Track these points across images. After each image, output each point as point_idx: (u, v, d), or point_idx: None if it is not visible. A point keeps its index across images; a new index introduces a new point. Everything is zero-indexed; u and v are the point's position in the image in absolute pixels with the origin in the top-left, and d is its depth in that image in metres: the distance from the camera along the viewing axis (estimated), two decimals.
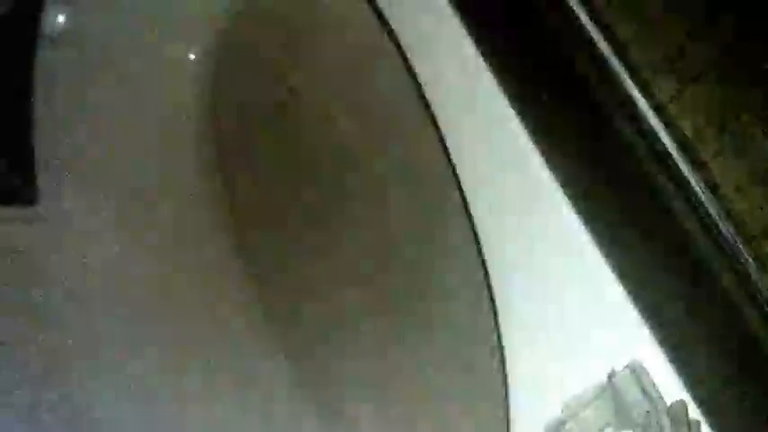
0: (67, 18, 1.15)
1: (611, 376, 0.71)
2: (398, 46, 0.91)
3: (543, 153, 0.79)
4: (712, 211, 0.88)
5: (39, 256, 1.21)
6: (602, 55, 0.95)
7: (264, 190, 1.33)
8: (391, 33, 0.88)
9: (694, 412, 0.68)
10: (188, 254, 1.34)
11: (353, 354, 1.15)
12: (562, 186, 0.78)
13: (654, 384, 0.69)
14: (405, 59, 0.90)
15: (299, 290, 1.23)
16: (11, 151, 1.18)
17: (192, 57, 1.24)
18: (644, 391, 0.69)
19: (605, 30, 0.95)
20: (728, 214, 0.89)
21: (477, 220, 0.80)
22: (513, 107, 0.83)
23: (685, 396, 0.68)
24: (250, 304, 1.28)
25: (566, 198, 0.77)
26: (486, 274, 0.78)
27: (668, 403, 0.68)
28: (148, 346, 1.22)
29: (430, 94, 0.87)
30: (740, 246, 0.88)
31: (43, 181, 1.19)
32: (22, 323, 1.14)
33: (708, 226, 0.88)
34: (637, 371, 0.70)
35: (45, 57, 1.15)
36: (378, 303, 1.13)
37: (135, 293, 1.27)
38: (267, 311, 1.27)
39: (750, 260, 0.85)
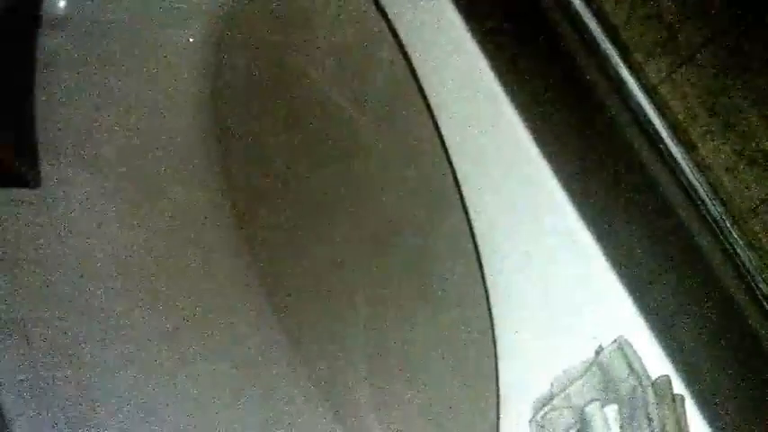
0: (68, 3, 1.16)
1: (598, 352, 0.73)
2: (396, 35, 0.92)
3: (534, 133, 0.80)
4: (701, 190, 0.90)
5: (42, 237, 1.22)
6: (595, 39, 0.96)
7: (265, 172, 1.34)
8: (389, 23, 0.89)
9: (678, 387, 0.70)
10: (190, 236, 1.36)
11: (352, 332, 1.17)
12: (553, 168, 0.79)
13: (640, 360, 0.71)
14: (402, 49, 0.92)
15: (302, 274, 1.25)
16: (14, 135, 1.20)
17: (192, 40, 1.25)
18: (630, 367, 0.71)
19: (598, 13, 0.97)
20: (717, 193, 0.91)
21: (468, 203, 0.82)
22: (504, 87, 0.84)
23: (670, 371, 0.70)
24: (252, 286, 1.30)
25: (556, 179, 0.78)
26: (479, 255, 0.79)
27: (653, 378, 0.70)
28: (151, 326, 1.24)
29: (424, 78, 0.89)
30: (728, 224, 0.90)
31: (46, 164, 1.20)
32: (28, 304, 1.16)
33: (696, 204, 0.90)
34: (623, 347, 0.72)
35: (46, 42, 1.16)
36: (377, 286, 1.15)
37: (136, 274, 1.28)
38: (270, 294, 1.29)
39: (737, 238, 0.87)
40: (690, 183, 0.90)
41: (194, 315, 1.27)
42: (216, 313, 1.31)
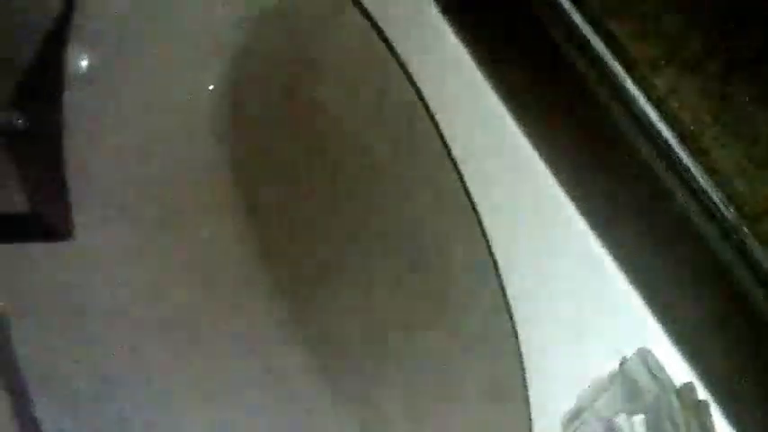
0: (90, 60, 1.21)
1: (622, 363, 0.74)
2: (403, 66, 0.95)
3: (543, 155, 0.82)
4: (714, 196, 0.91)
5: (78, 287, 1.25)
6: (598, 53, 0.98)
7: (289, 202, 1.36)
8: (396, 54, 0.92)
9: (703, 393, 0.71)
10: (217, 272, 1.38)
11: (379, 353, 1.18)
12: (566, 186, 0.81)
13: (662, 368, 0.73)
14: (410, 78, 0.95)
15: (334, 306, 1.27)
16: (45, 187, 1.23)
17: (211, 87, 1.29)
18: (653, 376, 0.72)
19: (598, 27, 0.99)
20: (730, 198, 0.92)
21: (485, 221, 0.84)
22: (512, 111, 0.87)
23: (694, 378, 0.71)
24: (282, 320, 1.32)
25: (569, 196, 0.80)
26: (499, 274, 0.81)
27: (677, 385, 0.71)
28: (182, 368, 1.26)
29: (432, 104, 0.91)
30: (743, 227, 0.91)
31: (78, 214, 1.23)
32: (67, 352, 1.19)
33: (710, 210, 0.91)
34: (645, 356, 0.73)
35: (71, 97, 1.20)
36: (403, 309, 1.17)
37: (171, 314, 1.31)
38: (300, 325, 1.31)
39: (755, 241, 0.88)
40: (703, 189, 0.91)
41: (225, 354, 1.29)
42: (248, 350, 1.33)
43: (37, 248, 1.23)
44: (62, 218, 1.24)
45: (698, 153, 0.91)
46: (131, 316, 1.27)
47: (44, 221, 1.25)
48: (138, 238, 1.31)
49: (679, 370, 0.72)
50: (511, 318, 0.80)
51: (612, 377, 0.74)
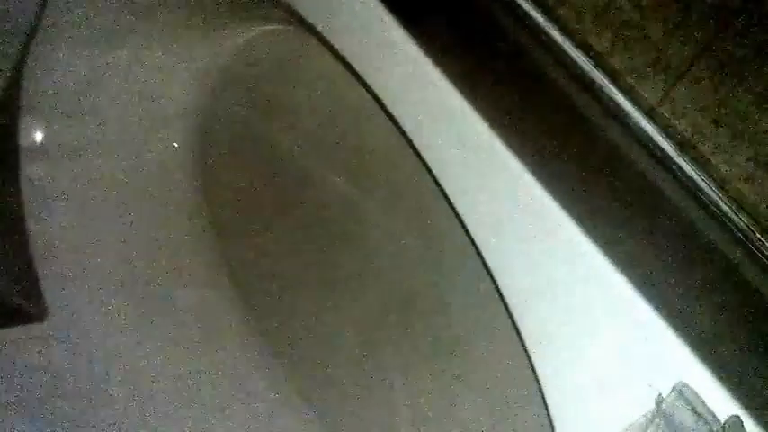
0: (45, 130, 1.14)
1: (658, 402, 0.68)
2: (375, 96, 0.90)
3: (543, 182, 0.77)
4: (724, 205, 0.87)
5: (56, 366, 1.19)
6: (582, 70, 0.94)
7: (268, 259, 1.31)
8: (373, 93, 0.87)
9: (751, 426, 0.65)
10: (205, 335, 1.32)
11: (392, 409, 1.12)
12: (572, 216, 0.76)
13: (704, 403, 0.67)
14: (383, 107, 0.89)
15: (328, 360, 1.21)
16: (15, 273, 1.17)
17: (176, 145, 1.23)
18: (695, 412, 0.67)
19: (581, 44, 0.95)
20: (741, 206, 0.87)
21: (489, 262, 0.79)
22: (505, 141, 0.81)
23: (739, 410, 0.66)
24: (277, 378, 1.26)
25: (578, 227, 0.75)
26: (512, 318, 0.75)
27: (722, 420, 0.66)
28: None
29: (418, 142, 0.86)
30: (757, 234, 0.86)
31: (49, 295, 1.17)
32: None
33: (722, 221, 0.87)
34: (684, 392, 0.67)
35: (28, 171, 1.14)
36: (408, 363, 1.11)
37: (154, 385, 1.25)
38: (296, 385, 1.25)
39: None
40: (711, 200, 0.87)
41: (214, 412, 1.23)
42: (239, 407, 1.27)
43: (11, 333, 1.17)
44: (33, 300, 1.18)
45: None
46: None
47: (14, 305, 1.18)
48: (113, 307, 1.24)
49: (722, 402, 0.66)
50: (530, 362, 0.74)
51: (650, 416, 0.68)
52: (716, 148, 0.88)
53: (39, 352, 1.15)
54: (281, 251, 1.26)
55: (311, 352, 1.23)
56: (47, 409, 1.16)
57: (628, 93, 0.93)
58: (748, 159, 0.87)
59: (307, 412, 1.20)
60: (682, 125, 0.90)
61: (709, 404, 0.66)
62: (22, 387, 1.16)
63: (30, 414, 1.14)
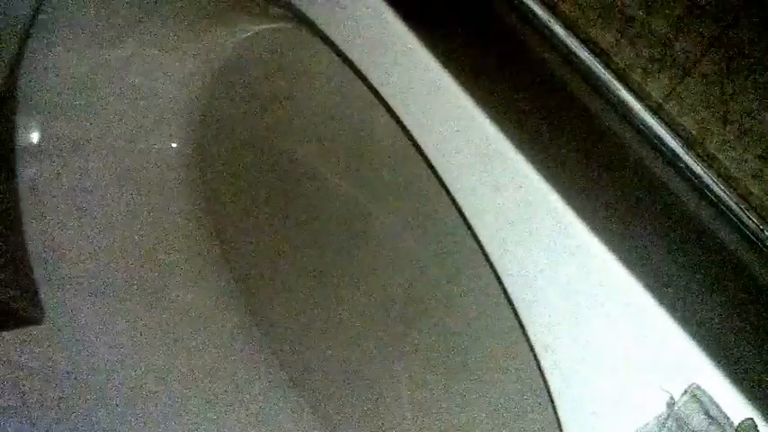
0: (41, 130, 1.13)
1: (670, 405, 0.67)
2: (378, 94, 0.88)
3: (551, 182, 0.75)
4: (732, 203, 0.86)
5: (54, 368, 1.18)
6: (588, 67, 0.93)
7: (270, 259, 1.30)
8: (376, 91, 0.85)
9: (764, 428, 0.64)
10: (204, 333, 1.31)
11: (396, 410, 1.11)
12: (581, 217, 0.74)
13: (717, 405, 0.65)
14: (386, 105, 0.88)
15: (329, 360, 1.20)
16: (11, 276, 1.15)
17: (175, 145, 1.22)
18: (708, 415, 0.65)
19: (585, 40, 0.94)
20: (750, 203, 0.86)
21: (497, 266, 0.77)
22: (509, 138, 0.80)
23: (753, 413, 0.65)
24: (270, 380, 1.25)
25: (586, 229, 0.73)
26: (520, 321, 0.74)
27: (735, 423, 0.64)
28: None
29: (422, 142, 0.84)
30: (766, 232, 0.85)
31: (46, 297, 1.16)
32: None
33: (730, 219, 0.86)
34: (697, 394, 0.66)
35: (25, 171, 1.13)
36: (414, 364, 1.09)
37: (153, 386, 1.24)
38: (295, 383, 1.24)
39: None
40: (719, 197, 0.86)
41: (215, 414, 1.22)
42: (237, 403, 1.26)
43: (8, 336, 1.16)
44: (30, 302, 1.17)
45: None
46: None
47: (11, 308, 1.16)
48: (113, 310, 1.23)
49: (735, 404, 0.65)
50: (539, 366, 0.73)
51: (662, 420, 0.67)
52: (723, 144, 0.87)
53: (36, 355, 1.14)
54: (282, 250, 1.24)
55: (313, 352, 1.21)
56: (45, 412, 1.15)
57: (634, 89, 0.92)
58: (756, 156, 0.86)
59: (308, 412, 1.19)
60: (688, 122, 0.89)
61: (723, 407, 0.65)
62: (19, 390, 1.15)
63: (28, 417, 1.14)
